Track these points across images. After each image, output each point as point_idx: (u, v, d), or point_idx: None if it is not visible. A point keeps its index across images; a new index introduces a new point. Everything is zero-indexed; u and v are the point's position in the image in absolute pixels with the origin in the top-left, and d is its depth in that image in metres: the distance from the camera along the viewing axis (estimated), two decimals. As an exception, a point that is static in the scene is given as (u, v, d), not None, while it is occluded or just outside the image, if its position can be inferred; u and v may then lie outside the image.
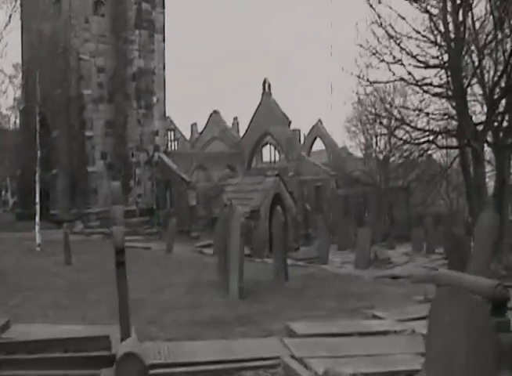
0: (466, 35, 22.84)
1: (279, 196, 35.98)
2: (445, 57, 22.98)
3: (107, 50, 39.79)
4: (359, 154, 60.20)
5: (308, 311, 11.69)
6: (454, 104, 23.41)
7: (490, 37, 23.10)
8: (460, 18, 22.44)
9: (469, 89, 24.81)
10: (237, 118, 70.97)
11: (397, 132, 30.23)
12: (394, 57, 22.21)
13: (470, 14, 22.60)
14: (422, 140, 24.73)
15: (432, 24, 22.48)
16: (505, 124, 24.01)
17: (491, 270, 17.24)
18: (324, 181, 52.71)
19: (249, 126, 59.23)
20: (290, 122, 55.42)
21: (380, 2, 22.45)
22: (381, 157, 51.62)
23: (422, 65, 22.54)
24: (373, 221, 50.35)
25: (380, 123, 25.29)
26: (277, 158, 64.45)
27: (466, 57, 23.65)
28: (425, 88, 23.36)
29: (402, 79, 22.93)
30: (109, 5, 39.93)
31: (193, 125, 71.41)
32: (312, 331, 9.19)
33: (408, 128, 25.59)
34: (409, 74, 22.33)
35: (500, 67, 23.08)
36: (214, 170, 53.14)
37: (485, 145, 24.31)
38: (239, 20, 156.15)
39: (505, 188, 23.51)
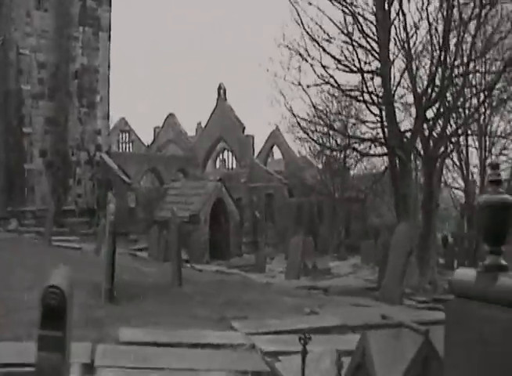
0: (396, 41, 22.24)
1: (221, 201, 35.39)
2: (375, 63, 22.33)
3: (49, 46, 38.70)
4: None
5: (170, 317, 10.89)
6: (377, 111, 22.74)
7: (420, 44, 22.61)
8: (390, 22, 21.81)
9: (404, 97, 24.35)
10: (201, 123, 70.14)
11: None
12: (312, 58, 21.40)
13: (402, 19, 21.97)
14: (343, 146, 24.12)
15: (360, 27, 21.71)
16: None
17: (403, 283, 16.66)
18: (276, 189, 51.94)
19: (203, 131, 58.62)
20: (244, 128, 54.86)
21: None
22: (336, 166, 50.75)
23: (347, 69, 21.79)
24: (327, 231, 49.83)
25: (303, 129, 24.17)
26: (235, 164, 63.75)
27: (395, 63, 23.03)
28: (353, 93, 22.69)
29: (327, 83, 22.07)
30: (53, 0, 38.94)
31: (156, 128, 70.28)
32: (138, 339, 8.40)
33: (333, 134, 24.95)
34: (331, 77, 21.53)
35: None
36: (166, 173, 52.32)
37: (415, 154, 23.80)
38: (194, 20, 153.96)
39: (432, 200, 22.92)
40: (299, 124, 23.03)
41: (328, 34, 21.63)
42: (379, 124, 23.34)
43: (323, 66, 21.31)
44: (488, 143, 37.06)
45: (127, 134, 66.62)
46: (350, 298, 16.56)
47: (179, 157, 57.20)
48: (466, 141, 35.70)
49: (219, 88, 56.23)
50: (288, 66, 22.35)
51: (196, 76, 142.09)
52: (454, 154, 37.24)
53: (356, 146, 27.03)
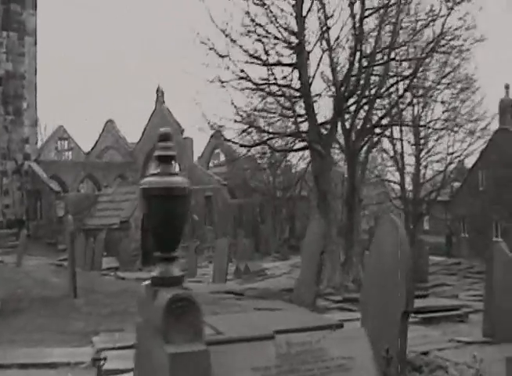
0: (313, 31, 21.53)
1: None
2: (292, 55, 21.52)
3: (-29, 52, 37.42)
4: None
5: (35, 333, 10.09)
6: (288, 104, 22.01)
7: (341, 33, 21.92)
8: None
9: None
10: (146, 128, 69.17)
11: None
12: (221, 56, 20.49)
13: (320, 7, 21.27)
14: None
15: (274, 19, 20.87)
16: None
17: (316, 283, 15.89)
18: (215, 190, 50.98)
19: (143, 135, 57.51)
20: (182, 130, 53.97)
21: None
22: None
23: (258, 62, 20.93)
24: (270, 231, 49.11)
25: (212, 127, 23.15)
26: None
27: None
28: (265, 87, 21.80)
29: (241, 78, 21.10)
30: (-25, 4, 37.60)
31: (101, 136, 69.09)
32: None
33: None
34: (242, 71, 20.64)
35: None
36: (104, 180, 51.22)
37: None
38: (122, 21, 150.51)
39: (355, 195, 22.23)
40: (208, 122, 22.15)
41: (245, 27, 20.89)
42: (298, 119, 22.56)
43: (232, 61, 20.48)
44: (421, 135, 36.79)
45: (65, 141, 65.15)
46: (262, 301, 15.76)
47: (117, 163, 56.07)
48: (401, 133, 35.34)
49: (157, 90, 55.44)
50: (206, 64, 21.42)
51: (136, 81, 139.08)
52: (390, 147, 36.95)
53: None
